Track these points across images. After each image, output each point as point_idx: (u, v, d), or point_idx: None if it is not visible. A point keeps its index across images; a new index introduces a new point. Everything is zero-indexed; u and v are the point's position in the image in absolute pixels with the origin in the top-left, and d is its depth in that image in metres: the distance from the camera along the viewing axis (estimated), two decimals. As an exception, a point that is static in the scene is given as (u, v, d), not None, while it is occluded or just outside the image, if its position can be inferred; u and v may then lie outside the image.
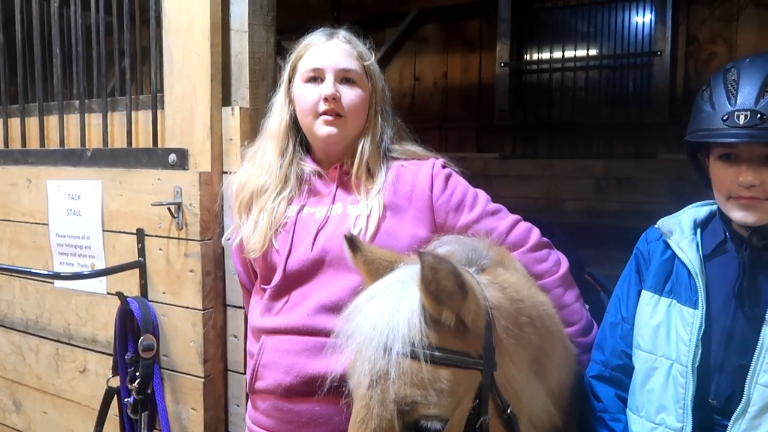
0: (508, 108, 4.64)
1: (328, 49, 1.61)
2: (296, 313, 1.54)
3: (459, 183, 1.64)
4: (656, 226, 1.40)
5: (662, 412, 1.29)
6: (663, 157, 3.95)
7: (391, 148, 1.68)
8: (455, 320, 1.07)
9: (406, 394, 1.02)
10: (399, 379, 1.02)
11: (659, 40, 4.07)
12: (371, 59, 1.65)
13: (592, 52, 4.43)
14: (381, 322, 1.05)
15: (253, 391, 1.62)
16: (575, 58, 4.48)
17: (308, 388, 1.49)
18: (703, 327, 1.25)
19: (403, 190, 1.59)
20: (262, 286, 1.64)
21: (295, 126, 1.67)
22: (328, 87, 1.56)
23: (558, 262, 1.63)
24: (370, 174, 1.62)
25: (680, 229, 1.36)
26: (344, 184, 1.63)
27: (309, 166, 1.65)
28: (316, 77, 1.59)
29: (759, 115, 1.16)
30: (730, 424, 1.20)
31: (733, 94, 1.21)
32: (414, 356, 1.03)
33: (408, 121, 1.80)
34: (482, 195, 1.64)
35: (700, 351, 1.25)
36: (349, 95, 1.59)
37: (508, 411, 1.13)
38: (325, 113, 1.57)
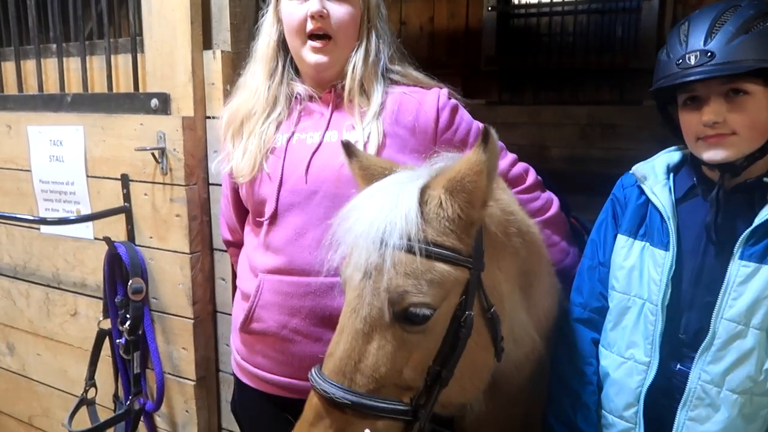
0: (495, 53, 4.58)
1: None
2: (296, 251, 1.48)
3: (464, 117, 1.58)
4: (631, 171, 1.43)
5: (632, 348, 1.35)
6: (648, 104, 3.95)
7: (391, 68, 1.59)
8: (462, 211, 1.11)
9: (398, 283, 1.07)
10: (392, 269, 1.07)
11: (649, -17, 4.01)
12: None
13: (581, -5, 4.36)
14: (379, 217, 1.09)
15: (247, 331, 1.57)
16: (563, 2, 4.41)
17: (316, 330, 1.47)
18: (674, 268, 1.30)
19: (405, 120, 1.52)
20: (256, 219, 1.58)
21: (284, 46, 1.58)
22: (314, 3, 1.46)
23: (550, 200, 1.65)
24: (366, 95, 1.53)
25: (654, 174, 1.39)
26: (340, 108, 1.55)
27: (301, 86, 1.57)
28: None
29: (708, 53, 1.22)
30: (697, 356, 1.26)
31: (684, 41, 1.27)
32: (409, 249, 1.07)
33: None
34: None
35: (669, 290, 1.30)
36: (338, 12, 1.49)
37: (492, 310, 1.19)
38: (312, 33, 1.48)
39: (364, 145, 1.46)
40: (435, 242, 1.10)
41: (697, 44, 1.24)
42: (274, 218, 1.51)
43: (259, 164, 1.52)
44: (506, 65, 4.54)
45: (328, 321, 1.44)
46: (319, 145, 1.51)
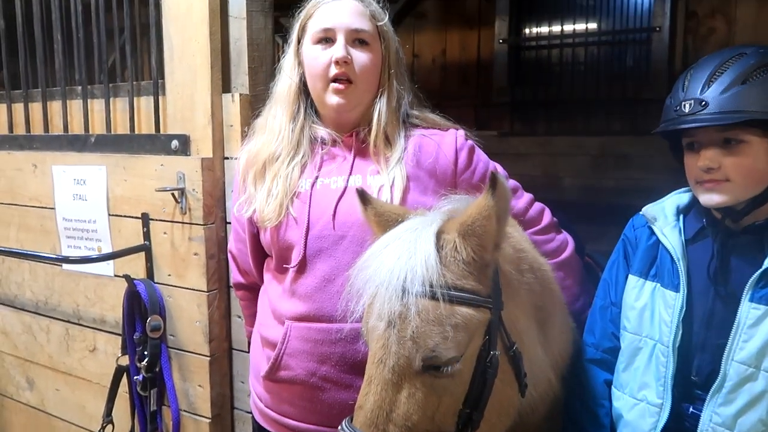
0: (506, 85, 4.65)
1: (340, 8, 1.51)
2: (325, 298, 1.46)
3: (481, 158, 1.60)
4: (641, 212, 1.46)
5: (644, 389, 1.36)
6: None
7: (411, 113, 1.61)
8: (475, 254, 1.13)
9: (423, 331, 1.08)
10: (417, 317, 1.08)
11: (658, 16, 4.06)
12: (385, 19, 1.56)
13: (591, 27, 4.42)
14: (398, 266, 1.10)
15: (274, 380, 1.53)
16: (574, 34, 4.47)
17: (346, 377, 1.45)
18: (684, 309, 1.31)
19: (426, 162, 1.53)
20: (282, 266, 1.55)
21: (305, 89, 1.59)
22: (339, 50, 1.48)
23: (565, 242, 1.66)
24: (389, 141, 1.54)
25: (664, 216, 1.41)
26: (362, 153, 1.55)
27: (323, 130, 1.57)
28: (326, 38, 1.51)
29: (702, 102, 1.26)
30: (708, 398, 1.26)
31: (685, 88, 1.31)
32: (432, 295, 1.08)
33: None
34: (501, 170, 1.60)
35: (680, 332, 1.31)
36: (361, 58, 1.50)
37: (514, 348, 1.21)
38: (335, 78, 1.49)
39: (391, 188, 1.47)
40: (455, 286, 1.11)
41: (694, 92, 1.28)
42: (302, 265, 1.49)
43: (285, 208, 1.51)
44: (518, 96, 4.60)
45: (359, 367, 1.40)
46: (344, 189, 1.51)
